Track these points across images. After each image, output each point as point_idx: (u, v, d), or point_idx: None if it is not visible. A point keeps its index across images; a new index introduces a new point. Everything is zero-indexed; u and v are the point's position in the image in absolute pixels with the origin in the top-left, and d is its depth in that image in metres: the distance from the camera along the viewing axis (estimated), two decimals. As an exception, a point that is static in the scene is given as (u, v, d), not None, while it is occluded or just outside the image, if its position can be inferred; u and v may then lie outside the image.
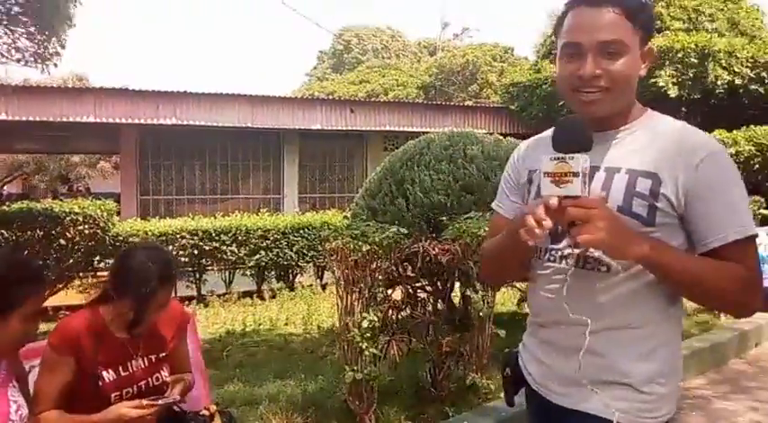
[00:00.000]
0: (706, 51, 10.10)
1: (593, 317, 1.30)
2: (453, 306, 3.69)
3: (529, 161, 1.49)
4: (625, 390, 1.33)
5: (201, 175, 12.17)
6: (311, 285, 8.56)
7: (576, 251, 1.31)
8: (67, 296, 6.77)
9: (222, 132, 11.68)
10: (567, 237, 1.29)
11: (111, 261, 2.60)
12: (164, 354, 2.02)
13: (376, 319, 3.05)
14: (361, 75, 26.79)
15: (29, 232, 6.23)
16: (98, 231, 6.73)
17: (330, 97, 16.85)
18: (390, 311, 3.31)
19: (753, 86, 10.60)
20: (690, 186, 1.27)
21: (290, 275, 8.68)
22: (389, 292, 3.42)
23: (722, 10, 12.31)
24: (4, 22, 5.10)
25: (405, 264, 3.43)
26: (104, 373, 1.88)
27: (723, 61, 10.20)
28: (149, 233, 7.59)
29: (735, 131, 10.07)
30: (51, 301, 6.62)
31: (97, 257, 7.02)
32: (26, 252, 6.14)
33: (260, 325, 6.25)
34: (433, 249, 3.23)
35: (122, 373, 1.91)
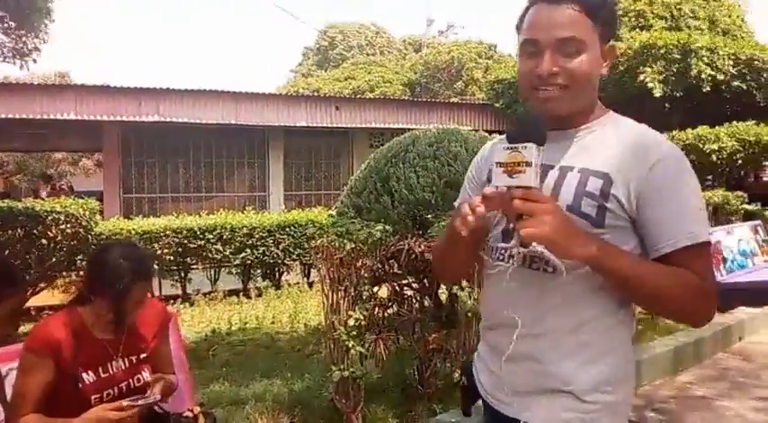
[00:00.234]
0: (688, 48, 10.19)
1: (537, 320, 1.27)
2: (440, 303, 3.68)
3: (492, 160, 1.45)
4: (567, 399, 1.27)
5: (185, 173, 12.07)
6: (298, 283, 8.51)
7: (523, 250, 1.24)
8: (52, 296, 6.68)
9: (206, 129, 11.59)
10: (515, 236, 1.23)
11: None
12: (144, 354, 1.98)
13: (362, 317, 3.03)
14: (346, 71, 26.70)
15: (9, 232, 6.12)
16: (80, 230, 6.63)
17: (315, 94, 16.78)
18: (377, 309, 3.29)
19: (735, 83, 10.72)
20: (642, 190, 1.23)
21: (277, 274, 8.63)
22: (375, 289, 3.40)
23: (703, 8, 12.43)
24: (-19, 18, 5.02)
25: (391, 261, 3.41)
26: (84, 375, 1.84)
27: (705, 58, 10.30)
28: (133, 232, 7.50)
29: (718, 127, 10.18)
30: (34, 301, 6.52)
31: (80, 257, 6.92)
32: (7, 252, 6.04)
33: (246, 324, 6.20)
34: (419, 246, 3.22)
35: (102, 375, 1.88)
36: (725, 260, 6.42)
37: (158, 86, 10.86)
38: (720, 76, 10.38)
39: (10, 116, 9.99)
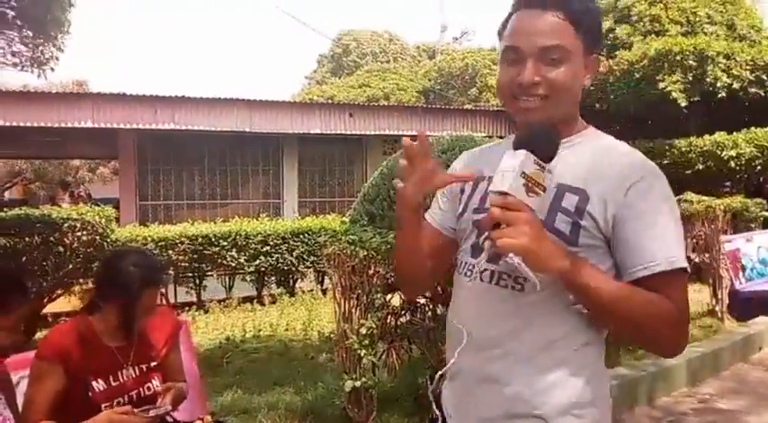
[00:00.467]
0: (705, 54, 10.08)
1: (504, 339, 1.21)
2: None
3: (470, 169, 1.37)
4: None
5: (201, 181, 12.14)
6: (312, 290, 8.51)
7: (492, 267, 1.20)
8: (68, 303, 6.72)
9: (221, 137, 11.66)
10: (485, 250, 1.16)
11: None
12: (155, 363, 1.98)
13: (374, 325, 3.01)
14: (360, 79, 26.76)
15: (27, 238, 6.17)
16: (96, 238, 6.67)
17: (329, 101, 16.82)
18: (389, 317, 3.27)
19: (752, 89, 10.58)
20: (618, 209, 1.18)
21: (291, 281, 8.63)
22: (388, 297, 3.37)
23: (720, 12, 12.30)
24: (-1, 27, 5.09)
25: (404, 269, 3.38)
26: (94, 383, 1.84)
27: (722, 64, 10.18)
28: (149, 239, 7.55)
29: (736, 133, 10.05)
30: (50, 308, 6.58)
31: (96, 264, 6.96)
32: (24, 258, 6.09)
33: (260, 331, 6.20)
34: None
35: (113, 383, 1.88)
36: (744, 268, 6.32)
37: (174, 94, 10.94)
38: (737, 84, 10.25)
39: (28, 124, 10.12)
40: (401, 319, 3.42)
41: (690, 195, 6.43)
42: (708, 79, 10.09)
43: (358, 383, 3.01)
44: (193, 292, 8.10)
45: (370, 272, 3.02)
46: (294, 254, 8.31)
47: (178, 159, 11.83)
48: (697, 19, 11.80)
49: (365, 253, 2.97)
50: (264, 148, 12.47)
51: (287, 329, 6.35)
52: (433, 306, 3.59)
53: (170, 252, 7.55)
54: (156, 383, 1.95)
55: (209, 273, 8.16)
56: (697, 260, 5.99)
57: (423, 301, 3.59)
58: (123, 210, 11.10)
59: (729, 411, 4.04)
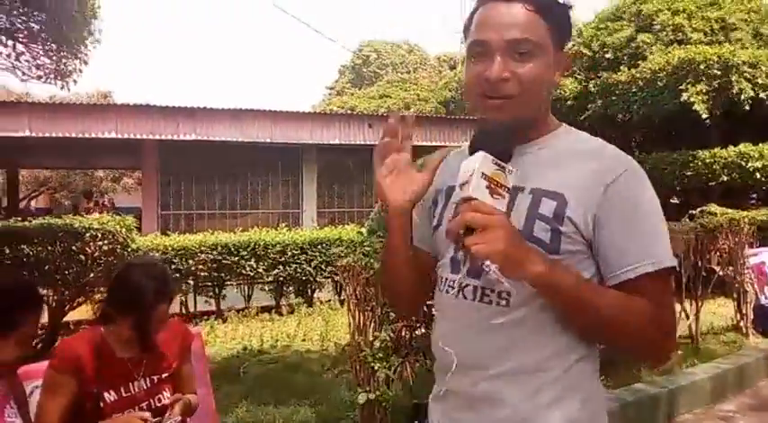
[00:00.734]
0: (729, 63, 9.92)
1: (493, 359, 1.15)
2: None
3: (439, 180, 1.27)
4: None
5: (221, 191, 12.25)
6: (330, 301, 8.51)
7: (474, 282, 1.14)
8: (89, 312, 6.80)
9: (241, 148, 11.76)
10: (463, 262, 1.12)
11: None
12: (166, 374, 1.99)
13: (388, 338, 2.99)
14: (381, 89, 26.86)
15: (49, 247, 6.27)
16: (117, 247, 6.75)
17: (348, 112, 16.90)
18: (404, 330, 3.24)
19: (779, 99, 10.38)
20: (598, 210, 1.12)
21: (309, 291, 8.64)
22: (403, 310, 3.35)
23: (746, 21, 12.11)
24: (24, 40, 5.20)
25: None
26: (105, 394, 1.85)
27: (747, 73, 10.01)
28: (169, 248, 7.63)
29: (761, 144, 9.87)
30: (71, 316, 6.66)
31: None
32: (47, 267, 6.18)
33: (277, 341, 6.22)
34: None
35: (124, 394, 1.89)
36: (770, 282, 6.17)
37: (196, 106, 11.09)
38: (763, 94, 10.06)
39: (54, 135, 10.32)
40: (416, 332, 3.39)
41: (714, 207, 6.32)
42: (733, 89, 9.94)
43: (372, 396, 3.00)
44: (213, 301, 8.15)
45: (385, 284, 3.01)
46: (312, 264, 8.32)
47: (199, 170, 11.95)
48: (722, 27, 11.64)
49: (380, 265, 2.96)
50: (284, 158, 12.56)
51: (304, 340, 6.36)
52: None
53: (190, 261, 7.62)
54: (167, 395, 1.95)
55: (229, 282, 8.21)
56: (721, 273, 5.87)
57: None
58: (145, 219, 11.23)
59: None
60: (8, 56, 5.52)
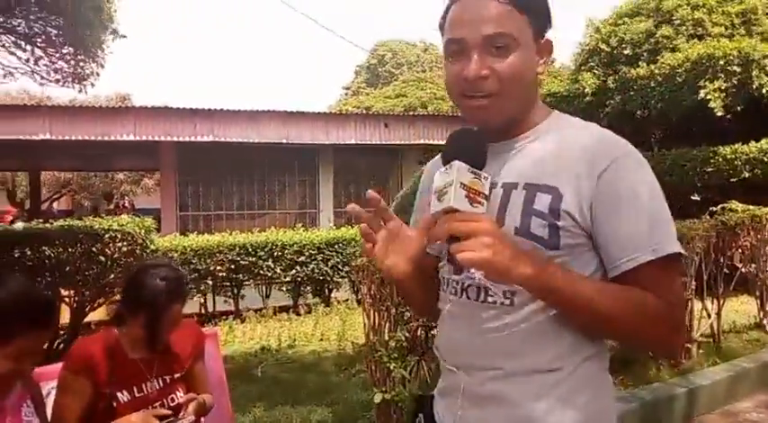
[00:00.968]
0: (750, 58, 9.74)
1: (501, 358, 1.12)
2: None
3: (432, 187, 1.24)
4: None
5: (239, 191, 12.34)
6: (347, 300, 8.53)
7: (482, 281, 1.11)
8: (108, 313, 6.88)
9: (258, 149, 11.83)
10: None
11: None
12: (179, 374, 2.00)
13: (404, 338, 2.98)
14: (397, 88, 26.85)
15: (70, 249, 6.35)
16: (136, 248, 6.82)
17: (364, 112, 16.91)
18: (419, 330, 3.23)
19: (802, 93, 10.18)
20: (594, 199, 1.07)
21: (326, 290, 8.67)
22: (419, 309, 3.34)
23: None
24: (42, 44, 5.28)
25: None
26: (119, 395, 1.87)
27: (768, 67, 9.82)
28: (187, 249, 7.70)
29: (783, 140, 9.68)
30: (92, 317, 6.75)
31: (135, 274, 7.11)
32: (68, 269, 6.26)
33: (295, 341, 6.24)
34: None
35: (137, 395, 1.90)
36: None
37: (213, 107, 11.18)
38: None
39: (74, 137, 10.46)
40: (432, 332, 3.38)
41: (735, 204, 6.21)
42: (753, 84, 9.76)
43: (387, 396, 2.99)
44: (231, 301, 8.21)
45: (400, 284, 3.00)
46: (329, 264, 8.35)
47: (217, 171, 12.05)
48: (743, 21, 11.44)
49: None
50: (301, 158, 12.61)
51: (321, 340, 6.37)
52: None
53: (208, 261, 7.69)
54: (180, 395, 1.97)
55: (247, 282, 8.26)
56: (743, 270, 5.78)
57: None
58: (164, 220, 11.35)
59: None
60: (27, 60, 5.64)
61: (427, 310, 1.37)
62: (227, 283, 8.05)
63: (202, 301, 8.02)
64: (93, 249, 6.51)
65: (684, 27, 11.69)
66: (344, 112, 17.22)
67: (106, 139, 10.62)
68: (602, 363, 1.17)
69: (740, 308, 6.31)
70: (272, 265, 8.07)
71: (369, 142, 12.31)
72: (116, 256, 6.71)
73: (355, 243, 8.18)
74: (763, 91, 9.73)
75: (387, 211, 1.17)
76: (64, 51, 5.45)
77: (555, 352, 1.11)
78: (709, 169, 9.62)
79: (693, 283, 4.62)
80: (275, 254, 8.10)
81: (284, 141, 11.59)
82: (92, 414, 1.85)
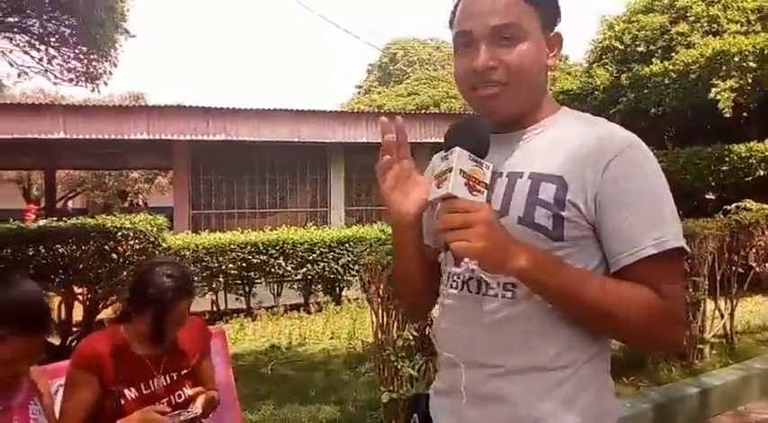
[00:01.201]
0: (765, 53, 9.61)
1: (502, 355, 1.10)
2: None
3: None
4: None
5: (251, 190, 12.37)
6: (357, 299, 8.52)
7: (478, 271, 1.07)
8: (118, 310, 6.95)
9: (270, 147, 11.86)
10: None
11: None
12: (185, 371, 2.01)
13: (412, 337, 2.97)
14: (410, 87, 26.80)
15: (83, 247, 6.41)
16: (148, 246, 6.87)
17: (375, 111, 16.91)
18: (428, 329, 3.22)
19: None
20: (598, 191, 1.06)
21: (337, 288, 8.68)
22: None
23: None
24: (56, 44, 5.33)
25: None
26: (126, 392, 1.88)
27: (785, 63, 9.68)
28: (199, 247, 7.74)
29: (800, 138, 9.55)
30: (104, 314, 6.81)
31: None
32: (81, 266, 6.32)
33: (305, 339, 6.26)
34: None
35: (144, 392, 1.91)
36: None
37: (225, 106, 11.22)
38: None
39: (87, 136, 10.55)
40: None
41: (750, 203, 6.13)
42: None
43: (395, 395, 2.98)
44: (243, 299, 8.25)
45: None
46: (340, 262, 8.36)
47: (229, 169, 12.09)
48: (759, 17, 11.29)
49: (392, 274, 2.94)
50: (312, 157, 12.62)
51: (332, 338, 6.38)
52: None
53: (220, 259, 7.72)
54: (187, 391, 1.98)
55: (258, 280, 8.29)
56: (758, 270, 5.71)
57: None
58: (177, 218, 11.41)
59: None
60: (40, 60, 5.70)
61: (420, 306, 1.36)
62: (239, 281, 8.09)
63: (214, 298, 8.06)
64: (106, 247, 6.56)
65: (699, 23, 11.57)
66: (356, 110, 17.20)
67: (120, 137, 10.70)
68: (603, 363, 1.16)
69: (754, 308, 6.25)
70: (284, 264, 8.10)
71: (380, 140, 12.29)
72: (128, 253, 6.75)
73: (367, 240, 8.18)
74: (779, 88, 9.59)
75: (405, 147, 1.17)
76: (77, 51, 5.51)
77: (556, 349, 1.09)
78: (724, 167, 9.51)
79: (706, 282, 4.57)
80: (286, 252, 8.13)
81: (296, 140, 11.61)
82: (99, 411, 1.86)
